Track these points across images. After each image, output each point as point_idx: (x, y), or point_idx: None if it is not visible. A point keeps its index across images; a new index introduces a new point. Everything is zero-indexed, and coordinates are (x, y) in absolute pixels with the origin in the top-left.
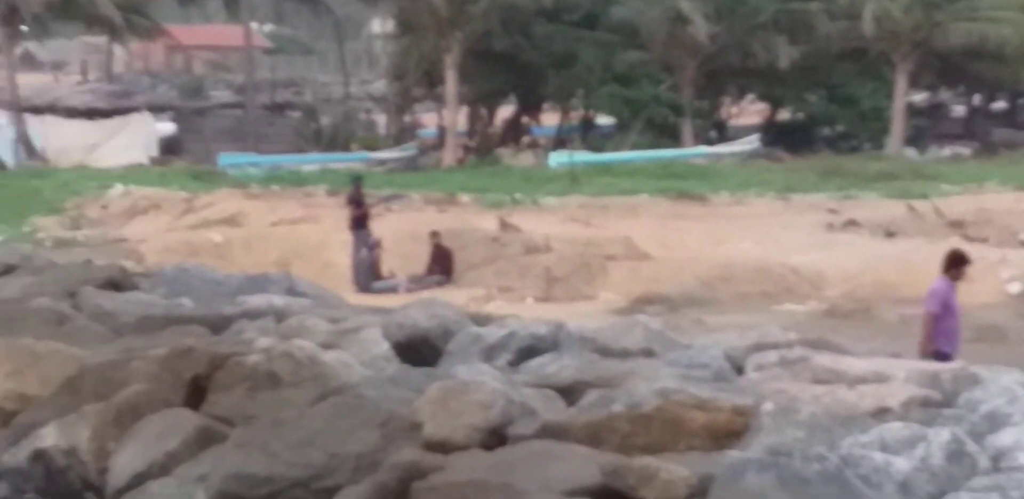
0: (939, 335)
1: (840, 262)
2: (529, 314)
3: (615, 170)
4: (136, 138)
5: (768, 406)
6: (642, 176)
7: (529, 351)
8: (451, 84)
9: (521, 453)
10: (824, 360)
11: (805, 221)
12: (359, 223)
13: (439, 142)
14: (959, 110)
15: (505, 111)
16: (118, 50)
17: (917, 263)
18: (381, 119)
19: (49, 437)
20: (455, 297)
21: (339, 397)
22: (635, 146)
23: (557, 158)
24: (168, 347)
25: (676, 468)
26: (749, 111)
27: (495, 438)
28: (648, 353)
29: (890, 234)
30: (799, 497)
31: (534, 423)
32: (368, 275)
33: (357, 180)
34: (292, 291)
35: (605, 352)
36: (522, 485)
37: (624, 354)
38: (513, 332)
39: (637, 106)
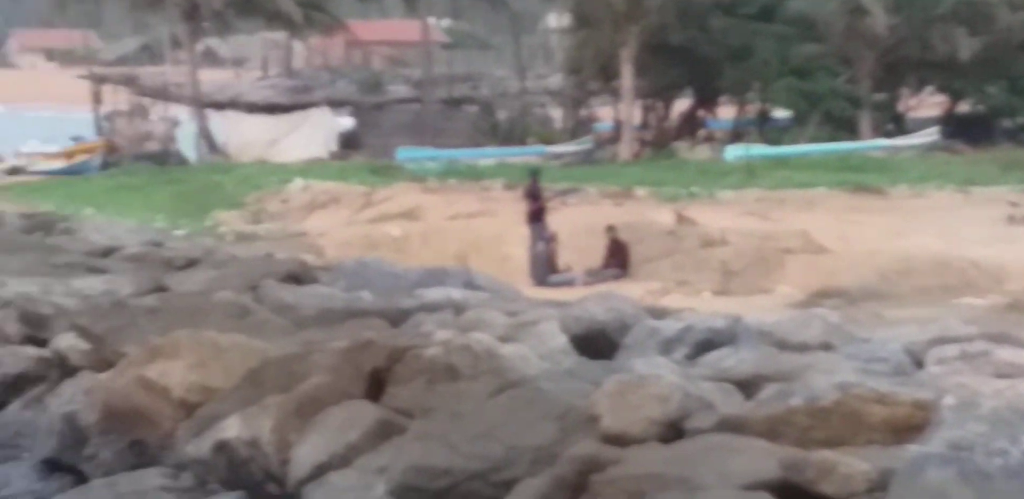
0: None
1: (1022, 255)
2: (706, 308)
3: (792, 163)
4: (316, 133)
5: (949, 400)
6: (819, 169)
7: (706, 345)
8: (627, 78)
9: (699, 446)
10: (1006, 354)
11: (985, 214)
12: (536, 217)
13: (615, 136)
14: None
15: (681, 105)
16: (298, 46)
17: None
18: (557, 113)
19: (232, 428)
20: (631, 291)
21: (517, 390)
22: (812, 139)
23: (733, 151)
24: (348, 340)
25: (855, 462)
26: (928, 103)
27: (672, 431)
28: (826, 347)
29: None
30: (981, 492)
31: (712, 416)
32: (545, 269)
33: (534, 174)
34: (470, 285)
35: (783, 346)
36: (700, 478)
37: (802, 348)
38: (690, 326)
39: (814, 99)
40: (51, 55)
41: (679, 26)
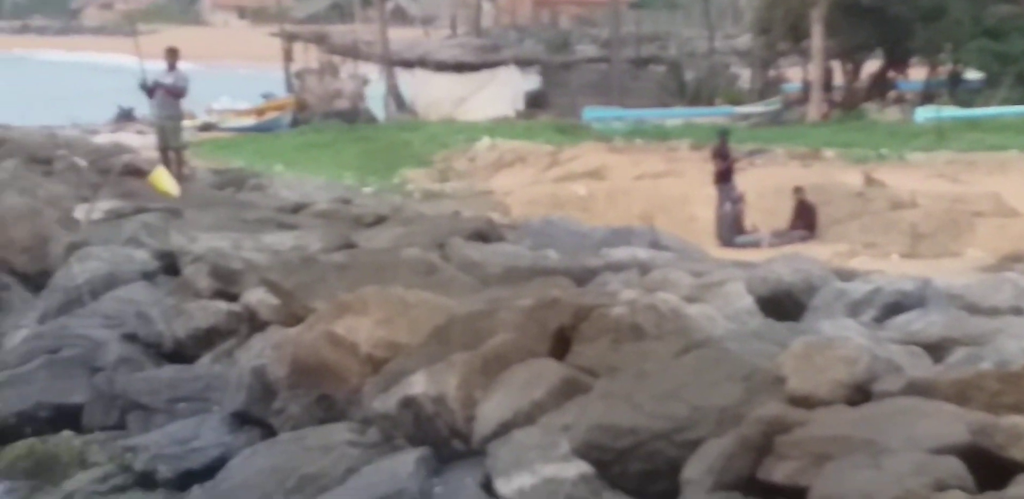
0: None
1: None
2: (894, 270)
3: (984, 125)
4: (503, 92)
5: None
6: (1012, 131)
7: (894, 307)
8: (817, 38)
9: (886, 410)
10: None
11: None
12: (723, 177)
13: (803, 97)
14: None
15: (871, 66)
16: (486, 5)
17: None
18: (745, 74)
19: (418, 385)
20: (818, 252)
21: (703, 350)
22: (1005, 101)
23: (924, 113)
24: (534, 298)
25: None
26: None
27: (859, 394)
28: (1017, 311)
29: None
30: None
31: (899, 380)
32: (731, 229)
33: (722, 134)
34: (656, 244)
35: (973, 309)
36: (887, 441)
37: (993, 312)
38: (878, 288)
39: (1008, 60)
40: (243, 13)
41: None
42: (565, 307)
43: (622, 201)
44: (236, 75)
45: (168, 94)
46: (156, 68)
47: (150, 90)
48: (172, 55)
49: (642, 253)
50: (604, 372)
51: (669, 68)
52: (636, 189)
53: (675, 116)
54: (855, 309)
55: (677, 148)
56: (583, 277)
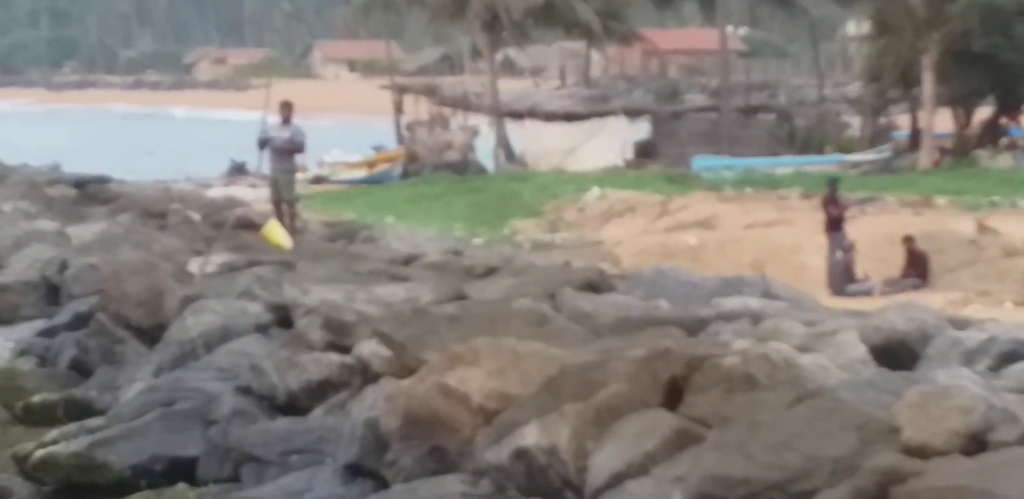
0: None
1: None
2: (1009, 318)
3: None
4: (612, 141)
5: None
6: None
7: (1010, 356)
8: (928, 85)
9: (1003, 459)
10: None
11: None
12: (834, 225)
13: (913, 144)
14: None
15: (983, 112)
16: (595, 55)
17: None
18: (855, 121)
19: (530, 436)
20: (931, 301)
21: (816, 400)
22: None
23: None
24: (646, 348)
25: None
26: None
27: (975, 444)
28: None
29: None
30: None
31: (1016, 429)
32: (843, 278)
33: (833, 183)
34: (767, 294)
35: None
36: (1004, 492)
37: None
38: (993, 337)
39: None
40: (354, 66)
41: (982, 32)
42: (677, 357)
43: (732, 250)
44: (347, 128)
45: (284, 149)
46: (270, 122)
47: (264, 144)
48: (287, 109)
49: (754, 302)
50: (717, 423)
51: (779, 116)
52: (746, 238)
53: (785, 164)
54: (970, 358)
55: (787, 197)
56: (695, 327)
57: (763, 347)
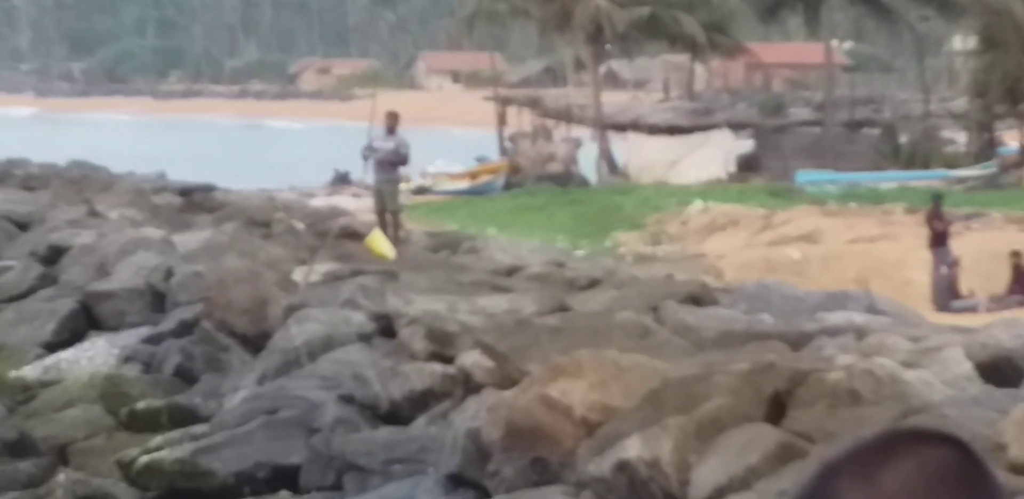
0: None
1: None
2: None
3: None
4: (715, 155)
5: None
6: None
7: None
8: None
9: None
10: None
11: None
12: (939, 241)
13: (1020, 160)
14: None
15: None
16: (699, 69)
17: None
18: (960, 137)
19: (632, 448)
20: None
21: (921, 416)
22: None
23: None
24: (749, 362)
25: None
26: None
27: None
28: None
29: None
30: None
31: None
32: (947, 294)
33: (937, 198)
34: (871, 309)
35: None
36: None
37: None
38: None
39: None
40: (457, 77)
41: None
42: (781, 372)
43: (836, 265)
44: (450, 139)
45: (388, 160)
46: (374, 132)
47: (368, 154)
48: (392, 119)
49: (858, 317)
50: (821, 438)
51: (883, 131)
52: (850, 253)
53: (889, 179)
54: None
55: (891, 212)
56: (798, 342)
57: (868, 362)
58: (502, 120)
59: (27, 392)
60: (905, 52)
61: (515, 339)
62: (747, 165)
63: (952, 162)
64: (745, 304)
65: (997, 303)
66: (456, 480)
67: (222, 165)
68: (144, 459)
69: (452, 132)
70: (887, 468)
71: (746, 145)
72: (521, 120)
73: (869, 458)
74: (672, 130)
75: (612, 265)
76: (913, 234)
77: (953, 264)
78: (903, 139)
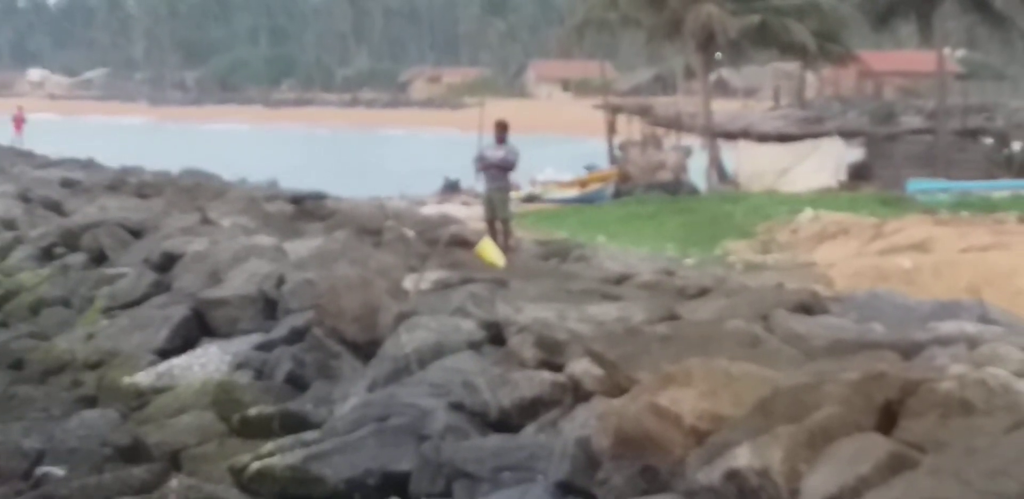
0: None
1: None
2: None
3: None
4: (826, 163)
5: None
6: None
7: None
8: None
9: None
10: None
11: None
12: None
13: None
14: None
15: None
16: (810, 76)
17: None
18: None
19: (742, 457)
20: None
21: None
22: None
23: None
24: (860, 371)
25: None
26: None
27: None
28: None
29: None
30: None
31: None
32: None
33: None
34: (984, 318)
35: None
36: None
37: None
38: None
39: None
40: (567, 85)
41: None
42: (892, 381)
43: (948, 274)
44: (560, 147)
45: (498, 168)
46: (484, 141)
47: (479, 163)
48: (501, 128)
49: (970, 327)
50: (932, 448)
51: (996, 139)
52: (962, 262)
53: (1002, 188)
54: None
55: (1004, 220)
56: (910, 351)
57: (980, 372)
58: (611, 128)
59: (140, 398)
60: (1018, 60)
61: (624, 347)
62: (858, 173)
63: None
64: (856, 313)
65: None
66: (565, 488)
67: (333, 173)
68: (256, 465)
69: (562, 141)
70: None
71: (857, 153)
72: (631, 128)
73: None
74: (782, 138)
75: (722, 273)
76: None
77: None
78: (1016, 147)
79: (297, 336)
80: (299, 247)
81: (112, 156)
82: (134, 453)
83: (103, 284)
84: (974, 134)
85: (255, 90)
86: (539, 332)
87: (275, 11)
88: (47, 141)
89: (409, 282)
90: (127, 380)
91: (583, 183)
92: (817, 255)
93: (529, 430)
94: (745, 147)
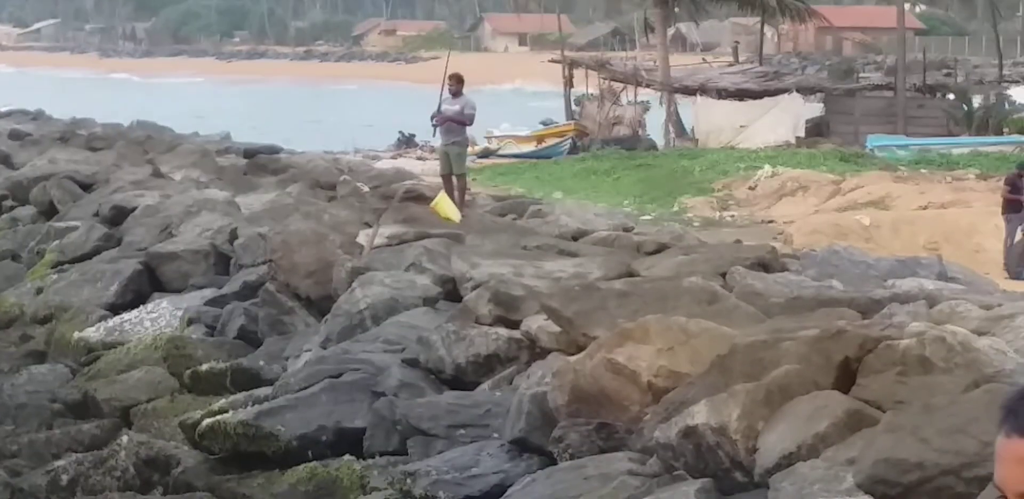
0: None
1: None
2: None
3: None
4: (784, 119)
5: None
6: None
7: None
8: None
9: None
10: None
11: None
12: (1012, 208)
13: None
14: None
15: None
16: (769, 32)
17: None
18: None
19: (700, 415)
20: None
21: (993, 384)
22: None
23: None
24: (818, 329)
25: None
26: None
27: None
28: None
29: None
30: None
31: None
32: (1020, 261)
33: (1021, 167)
34: (943, 276)
35: None
36: None
37: None
38: None
39: None
40: (523, 39)
41: None
42: (850, 339)
43: (907, 231)
44: (517, 101)
45: (454, 122)
46: (438, 94)
47: (436, 119)
48: (457, 82)
49: (929, 284)
50: (890, 405)
51: (956, 96)
52: (920, 219)
53: (962, 145)
54: None
55: (963, 177)
56: (868, 308)
57: (939, 330)
58: (568, 83)
59: (90, 354)
60: (979, 16)
61: (581, 304)
62: (817, 130)
63: None
64: (814, 270)
65: None
66: (521, 445)
67: (287, 127)
68: (208, 421)
69: (518, 94)
70: None
71: (816, 109)
72: (588, 83)
73: None
74: (741, 94)
75: (679, 230)
76: (985, 200)
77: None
78: (976, 104)
79: (250, 291)
80: (252, 201)
81: (62, 108)
82: (84, 409)
83: (53, 238)
84: (934, 90)
85: (207, 42)
86: (495, 288)
87: None
88: None
89: (363, 237)
90: (77, 335)
91: (540, 138)
92: (775, 212)
93: (484, 387)
94: (703, 103)
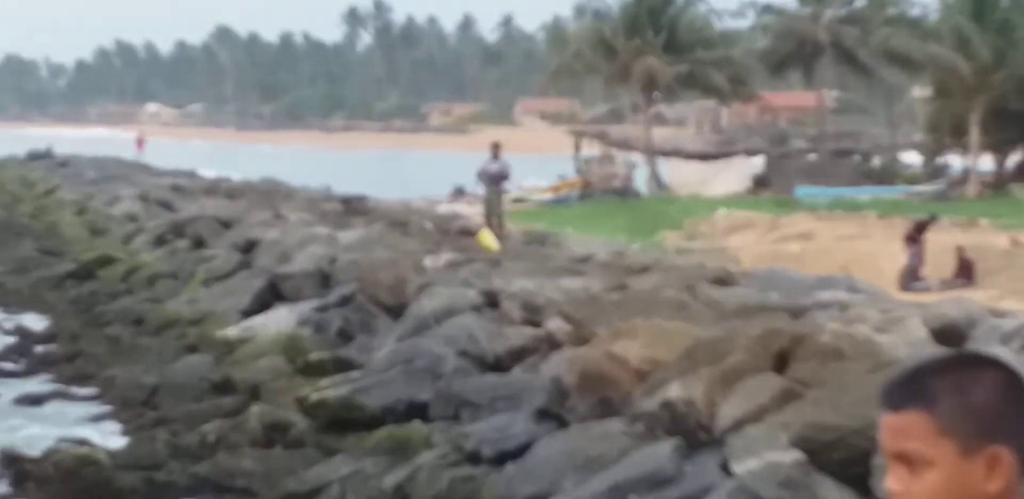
0: None
1: None
2: None
3: None
4: (735, 175)
5: None
6: None
7: None
8: (974, 135)
9: None
10: None
11: None
12: (912, 240)
13: (963, 179)
14: None
15: (1016, 156)
16: (724, 110)
17: None
18: (918, 161)
19: (674, 391)
20: (976, 296)
21: (888, 368)
22: None
23: None
24: (761, 328)
25: None
26: None
27: None
28: None
29: None
30: None
31: None
32: (910, 278)
33: (933, 217)
34: (852, 289)
35: None
36: None
37: None
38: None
39: None
40: (544, 116)
41: (1016, 96)
42: (784, 335)
43: (825, 257)
44: (540, 162)
45: (494, 178)
46: (483, 157)
47: (481, 175)
48: (496, 148)
49: (842, 295)
50: (814, 384)
51: (862, 157)
52: (837, 248)
53: (866, 193)
54: (1006, 339)
55: (867, 217)
56: (798, 313)
57: (849, 328)
58: (577, 148)
59: (229, 346)
60: (878, 98)
61: (587, 310)
62: (759, 183)
63: (912, 180)
64: (758, 285)
65: (946, 285)
66: (543, 414)
67: (372, 182)
68: (315, 396)
69: (541, 158)
70: (974, 378)
71: (759, 167)
72: (592, 148)
73: (957, 368)
74: (703, 156)
75: (659, 255)
76: (884, 234)
77: (918, 256)
78: (876, 163)
79: (345, 301)
80: (347, 235)
81: (209, 168)
82: (224, 387)
83: (202, 262)
84: (845, 153)
85: (314, 119)
86: (524, 298)
87: (329, 61)
88: (161, 158)
89: (428, 261)
90: (219, 333)
91: (556, 189)
92: (729, 242)
93: (516, 371)
94: (675, 163)
